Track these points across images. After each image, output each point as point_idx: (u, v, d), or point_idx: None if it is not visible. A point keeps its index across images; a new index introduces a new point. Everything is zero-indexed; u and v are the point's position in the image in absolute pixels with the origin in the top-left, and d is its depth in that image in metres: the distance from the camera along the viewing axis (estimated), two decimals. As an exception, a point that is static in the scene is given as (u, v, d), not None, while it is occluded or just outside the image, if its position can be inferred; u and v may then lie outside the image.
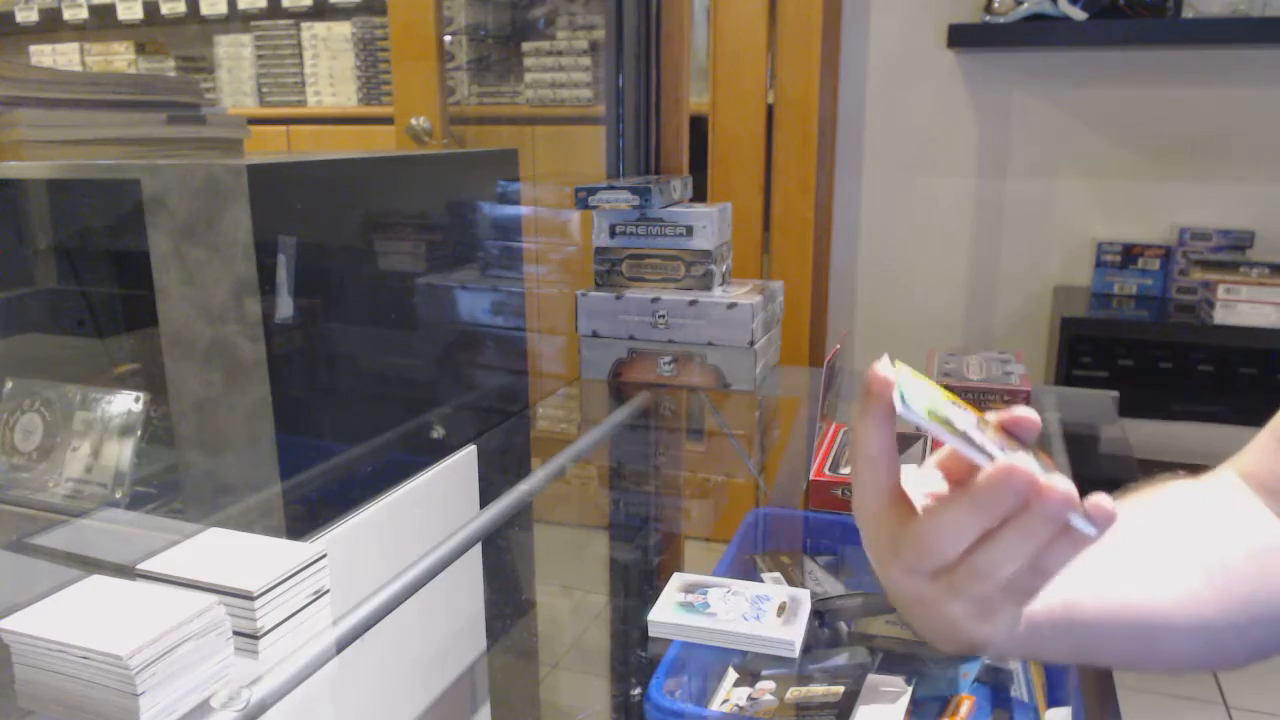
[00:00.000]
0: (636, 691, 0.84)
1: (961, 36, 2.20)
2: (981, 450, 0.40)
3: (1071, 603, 0.48)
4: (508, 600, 1.11)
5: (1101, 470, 1.14)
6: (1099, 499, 0.39)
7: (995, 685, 0.80)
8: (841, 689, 0.76)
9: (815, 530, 0.99)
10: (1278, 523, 0.54)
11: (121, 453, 0.98)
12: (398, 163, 1.13)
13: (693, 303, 1.22)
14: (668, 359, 1.24)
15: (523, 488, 0.97)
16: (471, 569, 0.94)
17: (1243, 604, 0.51)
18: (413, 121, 2.51)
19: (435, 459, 0.90)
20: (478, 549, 0.91)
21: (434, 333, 1.12)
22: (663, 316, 1.23)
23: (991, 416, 0.44)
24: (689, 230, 1.22)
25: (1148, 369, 2.16)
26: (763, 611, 0.81)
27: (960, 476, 0.44)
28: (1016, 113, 2.33)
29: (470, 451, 0.95)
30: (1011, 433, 0.43)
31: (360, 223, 0.99)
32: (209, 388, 0.89)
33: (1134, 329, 2.11)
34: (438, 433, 1.12)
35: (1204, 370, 2.18)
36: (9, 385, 1.05)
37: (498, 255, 1.23)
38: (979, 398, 1.10)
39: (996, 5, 2.13)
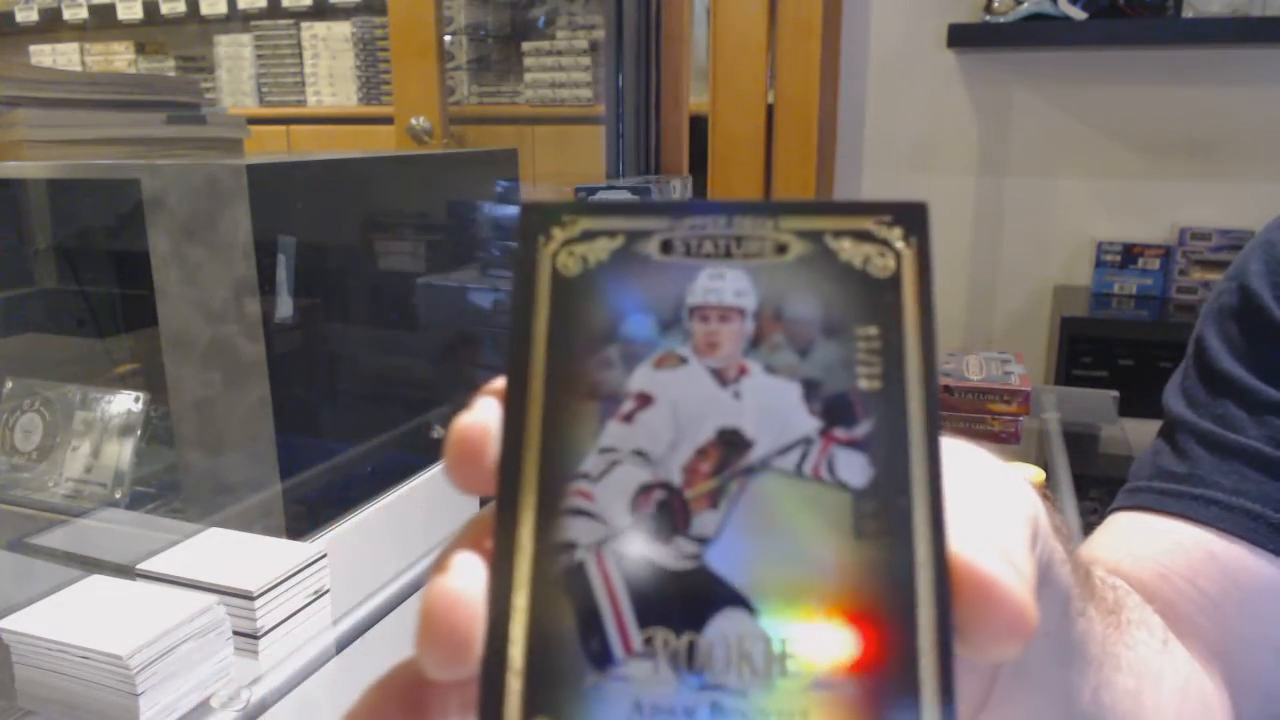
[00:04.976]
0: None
1: (961, 36, 2.20)
2: None
3: None
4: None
5: (1101, 470, 1.14)
6: None
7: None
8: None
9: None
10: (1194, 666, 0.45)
11: (121, 453, 0.98)
12: (398, 163, 1.13)
13: (693, 303, 1.21)
14: (668, 359, 1.24)
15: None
16: (471, 569, 0.94)
17: None
18: (413, 121, 2.51)
19: (435, 459, 0.90)
20: (478, 549, 0.90)
21: (434, 333, 1.12)
22: (663, 316, 1.23)
23: None
24: (689, 230, 1.22)
25: (1148, 369, 2.16)
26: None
27: None
28: (1016, 113, 2.33)
29: (470, 451, 0.95)
30: None
31: (360, 223, 0.99)
32: (209, 388, 0.89)
33: (1134, 329, 2.11)
34: (438, 433, 1.12)
35: (1204, 370, 2.17)
36: (9, 385, 1.05)
37: (498, 255, 1.23)
38: (979, 397, 1.10)
39: (996, 5, 2.13)
